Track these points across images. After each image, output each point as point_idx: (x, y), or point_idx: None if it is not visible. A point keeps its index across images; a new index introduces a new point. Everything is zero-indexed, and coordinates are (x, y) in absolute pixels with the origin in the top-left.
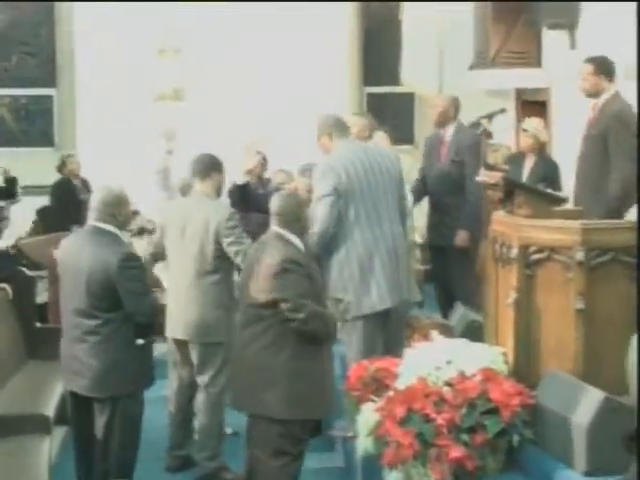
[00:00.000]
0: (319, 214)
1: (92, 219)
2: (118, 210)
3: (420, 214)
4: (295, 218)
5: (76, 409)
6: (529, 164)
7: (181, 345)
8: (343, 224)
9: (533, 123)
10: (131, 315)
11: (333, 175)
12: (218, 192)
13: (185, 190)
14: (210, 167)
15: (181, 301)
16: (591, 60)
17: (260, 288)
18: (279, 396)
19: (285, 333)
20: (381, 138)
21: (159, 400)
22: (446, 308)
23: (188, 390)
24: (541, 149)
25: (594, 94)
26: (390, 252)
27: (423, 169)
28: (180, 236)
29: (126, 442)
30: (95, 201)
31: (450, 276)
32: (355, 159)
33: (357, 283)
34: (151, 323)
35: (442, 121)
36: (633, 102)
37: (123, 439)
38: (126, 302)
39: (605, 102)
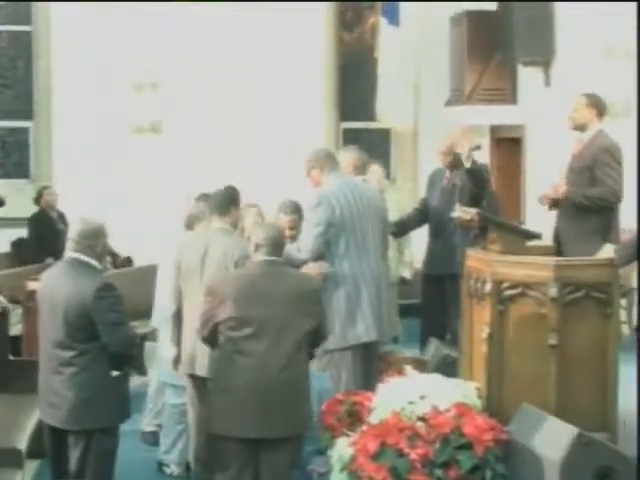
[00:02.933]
0: (307, 243)
1: (70, 250)
2: (95, 242)
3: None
4: (281, 245)
5: (53, 442)
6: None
7: (198, 382)
8: (333, 256)
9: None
10: (106, 345)
11: (327, 207)
12: (235, 227)
13: (190, 223)
14: (229, 203)
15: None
16: (585, 94)
17: (306, 313)
18: (307, 408)
19: (306, 348)
20: (375, 172)
21: (134, 434)
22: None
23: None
24: None
25: (581, 126)
26: (376, 285)
27: (425, 200)
28: (198, 272)
29: (99, 476)
30: (73, 232)
31: (442, 308)
32: (348, 193)
33: (344, 315)
34: (127, 354)
35: (451, 167)
36: (616, 138)
37: (96, 473)
38: (102, 332)
39: (592, 136)
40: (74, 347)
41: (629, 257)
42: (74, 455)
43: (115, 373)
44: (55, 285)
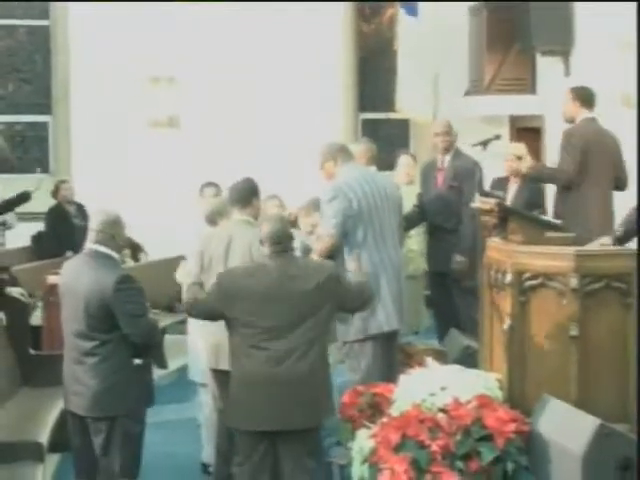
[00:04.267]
0: (325, 235)
1: (91, 242)
2: (117, 232)
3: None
4: (286, 238)
5: (76, 430)
6: (513, 188)
7: (221, 376)
8: (351, 246)
9: (518, 148)
10: (128, 336)
11: (344, 199)
12: (256, 218)
13: (213, 218)
14: (250, 194)
15: (220, 332)
16: (571, 88)
17: (326, 299)
18: (325, 399)
19: (324, 339)
20: (404, 163)
21: (160, 425)
22: (444, 334)
23: None
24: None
25: (570, 119)
26: (396, 274)
27: (421, 195)
28: (221, 265)
29: (127, 460)
30: (95, 223)
31: (450, 302)
32: (363, 183)
33: None
34: (148, 343)
35: (449, 147)
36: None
37: (123, 457)
38: (122, 323)
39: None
40: (95, 337)
41: (631, 232)
42: (97, 441)
43: (137, 361)
44: (76, 277)
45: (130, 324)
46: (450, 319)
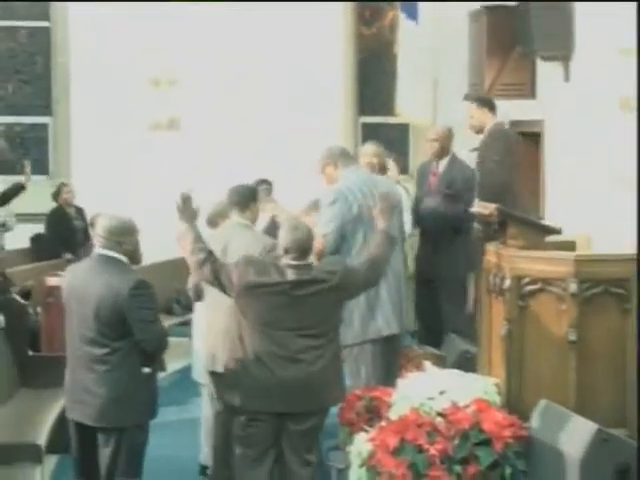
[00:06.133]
0: (325, 240)
1: (98, 247)
2: (123, 238)
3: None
4: (308, 248)
5: (80, 439)
6: None
7: (218, 378)
8: (350, 250)
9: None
10: (139, 343)
11: (344, 204)
12: (254, 222)
13: (213, 220)
14: (249, 198)
15: (219, 335)
16: (475, 98)
17: (341, 297)
18: (338, 384)
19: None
20: (390, 166)
21: (160, 427)
22: (427, 339)
23: (227, 419)
24: None
25: (479, 128)
26: (395, 279)
27: (417, 199)
28: None
29: (130, 471)
30: (100, 229)
31: (437, 308)
32: (364, 187)
33: (363, 309)
34: (159, 351)
35: (442, 153)
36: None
37: (127, 468)
38: (135, 329)
39: (487, 130)
40: (106, 344)
41: None
42: (105, 452)
43: (146, 370)
44: (85, 282)
45: (143, 330)
46: (433, 325)
